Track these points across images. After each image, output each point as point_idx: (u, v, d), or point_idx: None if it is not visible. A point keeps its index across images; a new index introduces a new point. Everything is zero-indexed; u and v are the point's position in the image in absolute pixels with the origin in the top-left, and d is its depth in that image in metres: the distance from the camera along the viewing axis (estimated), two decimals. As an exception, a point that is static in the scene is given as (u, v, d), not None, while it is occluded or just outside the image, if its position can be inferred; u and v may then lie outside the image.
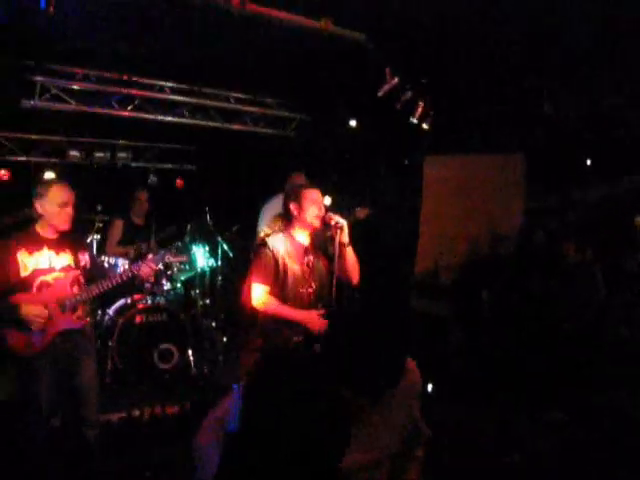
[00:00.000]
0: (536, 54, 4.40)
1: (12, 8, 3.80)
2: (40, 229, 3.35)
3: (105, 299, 5.29)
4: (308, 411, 1.27)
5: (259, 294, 3.44)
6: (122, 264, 5.64)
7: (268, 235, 3.69)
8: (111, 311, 5.45)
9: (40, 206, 3.30)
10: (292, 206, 3.51)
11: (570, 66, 4.57)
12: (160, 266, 3.80)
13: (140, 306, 5.34)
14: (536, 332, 5.23)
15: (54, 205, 3.28)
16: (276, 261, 3.42)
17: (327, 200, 4.87)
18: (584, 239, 5.64)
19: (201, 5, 3.34)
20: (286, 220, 3.60)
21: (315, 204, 3.45)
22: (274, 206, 5.67)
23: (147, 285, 5.43)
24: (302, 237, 3.52)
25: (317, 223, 3.44)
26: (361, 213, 5.22)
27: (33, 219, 4.39)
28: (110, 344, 5.12)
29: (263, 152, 6.81)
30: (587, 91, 5.26)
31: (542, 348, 5.05)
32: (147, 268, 3.58)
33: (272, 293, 3.44)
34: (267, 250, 3.44)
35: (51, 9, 2.82)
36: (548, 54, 4.38)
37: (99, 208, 5.80)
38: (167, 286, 5.68)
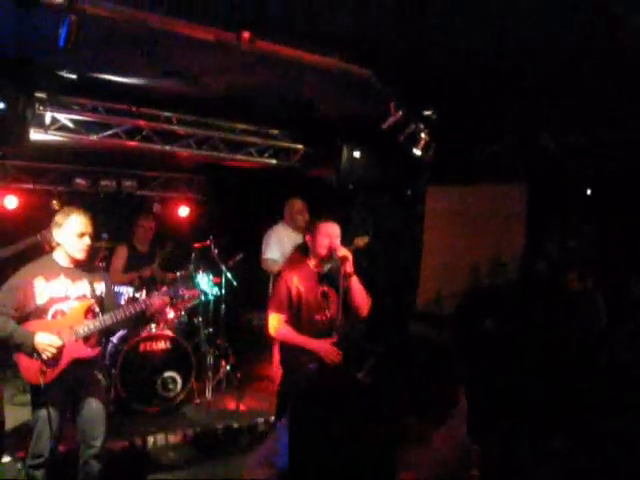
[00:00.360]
0: (536, 86, 4.49)
1: (27, 43, 3.90)
2: (57, 257, 3.40)
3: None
4: (354, 440, 1.31)
5: (274, 322, 3.62)
6: (126, 292, 5.68)
7: (286, 266, 3.90)
8: (115, 339, 5.46)
9: (58, 235, 3.35)
10: (307, 238, 3.73)
11: (570, 97, 4.66)
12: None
13: (144, 334, 5.35)
14: (538, 360, 5.24)
15: (72, 235, 3.33)
16: (290, 290, 3.58)
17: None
18: (586, 267, 5.70)
19: (211, 42, 3.44)
20: (305, 251, 3.79)
21: (327, 237, 3.60)
22: (276, 234, 5.77)
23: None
24: (317, 267, 3.70)
25: (324, 253, 3.60)
26: (360, 241, 5.29)
27: (41, 246, 4.46)
28: (113, 372, 5.12)
29: (267, 182, 6.90)
30: (587, 123, 5.35)
31: (544, 376, 5.06)
32: (160, 300, 3.64)
33: (288, 321, 3.60)
34: (282, 280, 3.64)
35: (69, 46, 2.91)
36: (548, 86, 4.46)
37: (104, 236, 5.83)
38: (171, 314, 5.71)
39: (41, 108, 4.84)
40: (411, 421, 1.71)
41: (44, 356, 3.18)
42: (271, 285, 5.82)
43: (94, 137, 5.24)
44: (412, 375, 1.71)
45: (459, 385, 1.76)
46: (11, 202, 6.37)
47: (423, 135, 4.96)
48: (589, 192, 6.38)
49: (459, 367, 1.82)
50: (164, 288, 3.88)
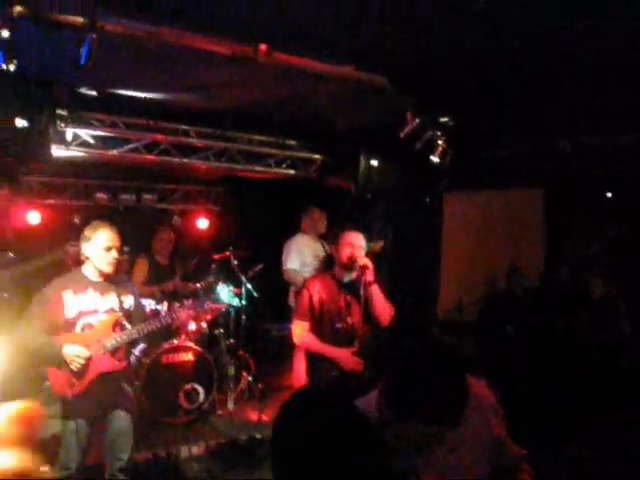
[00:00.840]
0: (553, 91, 4.47)
1: (48, 62, 3.97)
2: (86, 271, 3.46)
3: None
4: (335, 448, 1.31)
5: (298, 330, 3.70)
6: (148, 305, 5.72)
7: (311, 276, 4.02)
8: (137, 351, 5.50)
9: (86, 249, 3.41)
10: (332, 248, 3.86)
11: (586, 98, 4.63)
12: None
13: (166, 346, 5.39)
14: (561, 366, 5.18)
15: (99, 248, 3.38)
16: (312, 299, 3.66)
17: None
18: (608, 271, 5.64)
19: (228, 56, 3.47)
20: (330, 261, 3.92)
21: (348, 246, 3.66)
22: (296, 244, 5.79)
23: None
24: (340, 276, 3.74)
25: (346, 262, 3.65)
26: (376, 246, 5.29)
27: (64, 261, 4.52)
28: (136, 384, 5.16)
29: (286, 193, 6.93)
30: (604, 125, 5.31)
31: (567, 382, 5.01)
32: (186, 314, 3.68)
33: (311, 329, 3.66)
34: (305, 289, 3.72)
35: (90, 64, 2.97)
36: (565, 90, 4.44)
37: (125, 249, 5.89)
38: (192, 326, 5.74)
39: (62, 125, 4.92)
40: (420, 426, 1.70)
41: (72, 367, 3.22)
42: (291, 296, 5.84)
43: (114, 152, 5.31)
44: (422, 381, 1.71)
45: (466, 383, 1.74)
46: (34, 217, 6.46)
47: (440, 142, 4.95)
48: (609, 195, 6.32)
49: (465, 364, 1.80)
50: (190, 301, 3.92)
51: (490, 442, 1.98)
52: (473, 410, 1.88)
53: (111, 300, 3.46)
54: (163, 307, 5.52)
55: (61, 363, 3.22)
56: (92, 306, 3.39)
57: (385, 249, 6.06)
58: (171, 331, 5.42)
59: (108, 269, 3.43)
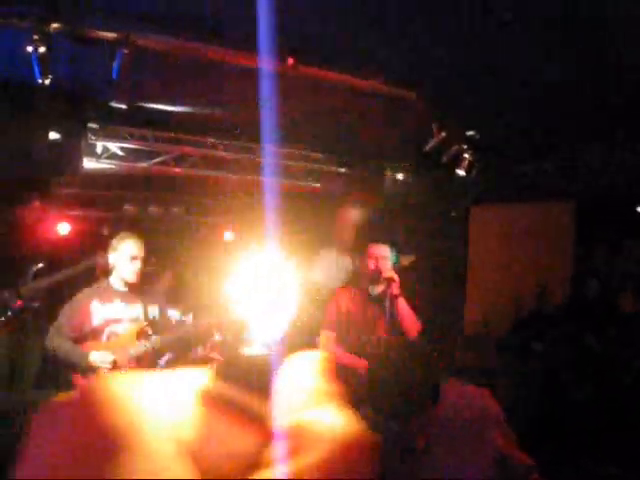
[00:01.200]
0: (583, 107, 4.43)
1: (80, 77, 4.07)
2: (113, 281, 3.54)
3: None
4: None
5: (323, 340, 3.73)
6: (174, 316, 5.76)
7: (340, 288, 4.04)
8: (162, 362, 5.52)
9: (113, 258, 3.49)
10: (359, 261, 4.03)
11: (618, 114, 4.58)
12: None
13: (191, 357, 5.40)
14: (587, 382, 5.10)
15: (124, 258, 3.47)
16: (340, 310, 3.69)
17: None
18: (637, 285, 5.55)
19: (255, 68, 3.52)
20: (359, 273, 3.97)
21: (374, 258, 3.68)
22: (322, 257, 5.80)
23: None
24: (369, 288, 3.77)
25: (371, 274, 3.68)
26: (405, 260, 5.26)
27: (93, 271, 4.60)
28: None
29: (313, 206, 6.94)
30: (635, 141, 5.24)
31: (596, 400, 4.91)
32: (208, 324, 3.71)
33: (338, 340, 3.68)
34: (333, 300, 3.76)
35: (122, 78, 3.04)
36: (596, 104, 4.40)
37: (152, 259, 5.95)
38: (217, 337, 5.75)
39: (93, 138, 5.02)
40: (392, 425, 1.72)
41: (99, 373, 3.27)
42: (314, 308, 5.84)
43: (144, 164, 5.40)
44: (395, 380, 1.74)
45: (437, 387, 1.76)
46: (64, 229, 6.58)
47: (467, 155, 4.94)
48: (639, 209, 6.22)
49: (437, 369, 1.82)
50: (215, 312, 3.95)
51: (492, 454, 1.95)
52: (473, 420, 1.87)
53: (137, 309, 3.53)
54: (189, 318, 5.55)
55: (86, 371, 3.27)
56: (118, 315, 3.46)
57: (415, 263, 6.05)
58: (196, 342, 5.44)
59: (132, 278, 3.50)
